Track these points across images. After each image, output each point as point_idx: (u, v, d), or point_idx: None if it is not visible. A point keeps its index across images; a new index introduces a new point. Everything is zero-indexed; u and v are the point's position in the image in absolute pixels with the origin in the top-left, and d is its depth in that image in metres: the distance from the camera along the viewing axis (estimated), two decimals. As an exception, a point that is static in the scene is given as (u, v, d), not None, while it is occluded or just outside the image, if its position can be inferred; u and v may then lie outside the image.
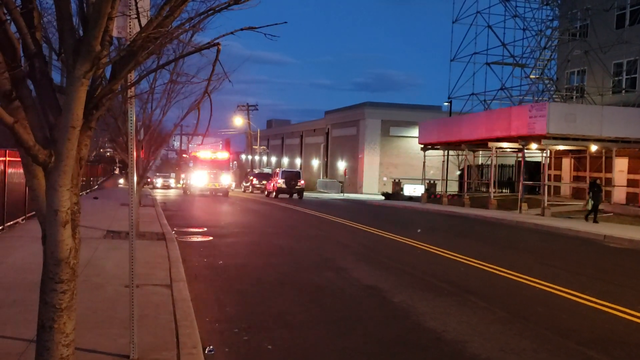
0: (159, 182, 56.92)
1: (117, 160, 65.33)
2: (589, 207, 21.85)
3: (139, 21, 3.56)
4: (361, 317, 7.64)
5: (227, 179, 40.14)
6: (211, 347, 6.08)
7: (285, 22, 3.29)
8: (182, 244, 13.81)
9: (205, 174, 38.79)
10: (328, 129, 62.73)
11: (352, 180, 54.44)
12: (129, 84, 3.84)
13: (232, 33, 3.20)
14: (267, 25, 3.23)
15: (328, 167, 62.85)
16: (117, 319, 6.53)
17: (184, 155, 53.56)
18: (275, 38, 3.27)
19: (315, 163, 67.48)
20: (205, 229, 17.52)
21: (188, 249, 13.17)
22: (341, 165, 58.07)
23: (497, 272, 11.01)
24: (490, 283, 10.09)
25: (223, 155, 43.38)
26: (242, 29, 3.22)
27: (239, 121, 70.94)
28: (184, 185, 47.48)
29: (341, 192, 51.73)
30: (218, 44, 3.14)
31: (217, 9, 3.14)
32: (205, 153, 41.13)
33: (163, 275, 9.31)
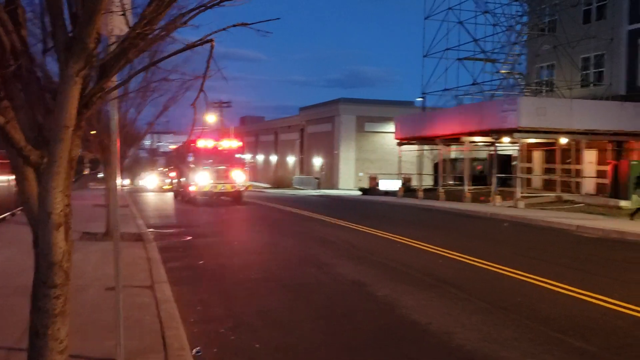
0: (126, 182, 55.62)
1: (86, 161, 64.10)
2: (636, 204, 19.22)
3: (125, 18, 3.52)
4: (347, 312, 7.69)
5: (240, 178, 28.78)
6: (198, 348, 6.05)
7: (278, 18, 3.30)
8: (161, 244, 13.68)
9: (210, 171, 27.94)
10: (303, 125, 62.69)
11: (329, 177, 54.57)
12: (118, 82, 3.78)
13: (224, 29, 3.19)
14: (260, 22, 3.22)
15: (304, 164, 62.81)
16: (101, 322, 6.46)
17: (169, 148, 41.69)
18: (268, 34, 3.27)
19: (291, 160, 67.38)
20: (183, 229, 17.38)
21: (166, 249, 13.05)
22: (317, 161, 58.13)
23: (476, 263, 11.17)
24: (470, 275, 10.23)
25: (233, 144, 30.03)
26: (234, 25, 3.21)
27: (211, 118, 70.35)
28: (173, 187, 36.96)
29: (317, 189, 51.79)
30: (212, 40, 3.12)
31: (207, 4, 3.11)
32: (208, 142, 29.37)
33: (144, 277, 9.23)
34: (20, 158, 3.14)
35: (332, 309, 7.91)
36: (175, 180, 36.18)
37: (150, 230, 16.17)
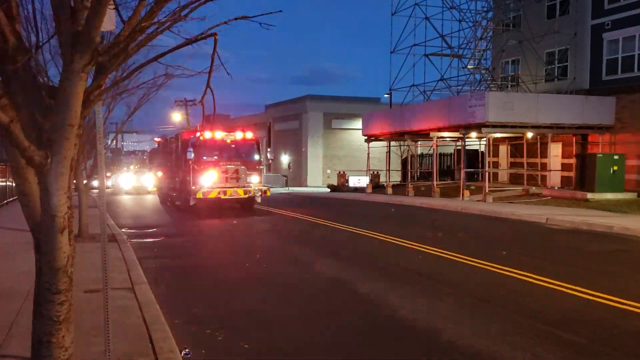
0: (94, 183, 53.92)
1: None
2: None
3: (118, 13, 3.36)
4: (332, 310, 7.63)
5: (254, 180, 22.52)
6: (187, 349, 5.90)
7: (280, 11, 3.19)
8: (135, 244, 13.39)
9: (217, 171, 21.58)
10: (270, 123, 62.34)
11: (297, 174, 54.39)
12: (117, 79, 3.61)
13: (226, 23, 3.07)
14: (261, 15, 3.11)
15: (271, 162, 62.50)
16: (85, 326, 6.24)
17: (155, 140, 31.54)
18: (271, 27, 3.16)
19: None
20: (155, 229, 17.05)
21: (142, 249, 12.78)
22: (285, 159, 57.88)
23: (455, 258, 11.24)
24: (451, 269, 10.29)
25: (247, 136, 23.27)
26: (236, 19, 3.09)
27: (177, 117, 69.29)
28: (162, 190, 29.12)
29: (286, 186, 51.59)
30: (215, 34, 2.99)
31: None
32: (215, 134, 22.49)
33: (122, 278, 8.99)
34: (23, 159, 2.96)
35: (317, 307, 7.84)
36: (165, 182, 27.69)
37: (124, 230, 15.79)
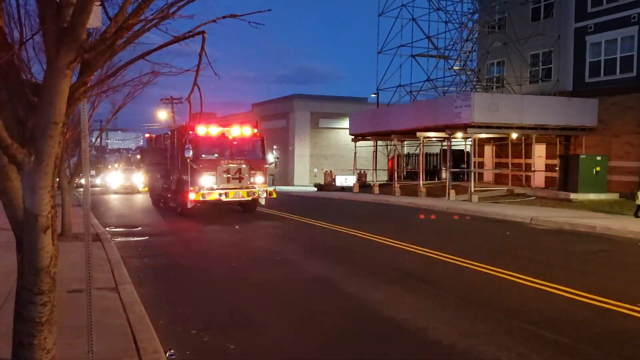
0: (83, 181, 52.71)
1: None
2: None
3: (105, 9, 3.31)
4: (319, 310, 7.61)
5: (258, 180, 20.53)
6: (172, 350, 5.86)
7: (270, 10, 3.16)
8: (119, 244, 13.27)
9: (219, 171, 19.70)
10: (257, 121, 62.14)
11: (283, 173, 54.29)
12: (102, 77, 3.56)
13: (214, 21, 3.04)
14: (251, 13, 3.09)
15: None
16: (67, 327, 6.15)
17: (145, 136, 28.33)
18: (260, 26, 3.14)
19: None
20: (140, 228, 16.92)
21: (126, 249, 12.67)
22: (271, 158, 57.73)
23: (441, 257, 11.29)
24: (437, 269, 10.33)
25: (250, 132, 21.07)
26: (224, 17, 3.07)
27: (162, 115, 68.81)
28: (154, 190, 26.50)
29: (272, 185, 51.48)
30: (203, 32, 2.96)
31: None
32: (214, 129, 20.44)
33: (106, 278, 8.90)
34: (6, 157, 2.90)
35: (304, 307, 7.81)
36: (158, 181, 25.24)
37: (107, 229, 15.66)
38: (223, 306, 7.85)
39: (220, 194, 19.18)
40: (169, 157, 22.31)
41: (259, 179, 20.43)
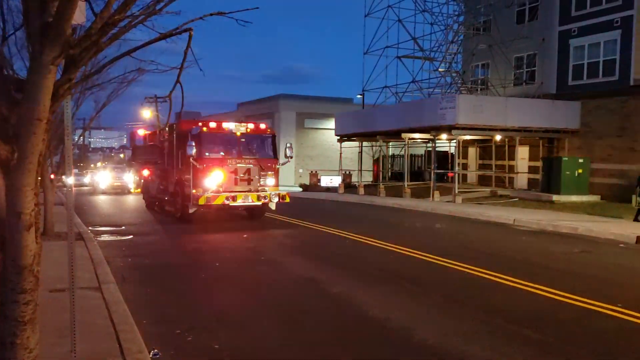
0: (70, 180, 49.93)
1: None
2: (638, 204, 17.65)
3: (90, 5, 3.28)
4: (304, 310, 7.61)
5: (269, 182, 18.35)
6: (156, 350, 5.82)
7: (257, 8, 3.15)
8: (102, 243, 13.16)
9: (226, 171, 17.56)
10: (242, 121, 61.92)
11: (268, 173, 54.13)
12: (87, 73, 3.52)
13: (201, 18, 3.02)
14: (238, 11, 3.07)
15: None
16: (49, 327, 6.07)
17: (138, 133, 26.03)
18: (247, 24, 3.12)
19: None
20: (123, 227, 16.78)
21: (109, 248, 12.55)
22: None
23: (425, 258, 11.34)
24: (421, 269, 10.38)
25: (259, 128, 19.30)
26: (212, 14, 3.05)
27: (147, 113, 68.29)
28: (150, 192, 23.64)
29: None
30: (190, 29, 2.94)
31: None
32: (221, 124, 18.41)
33: (89, 277, 8.82)
34: (-11, 154, 2.86)
35: (289, 307, 7.80)
36: (153, 182, 22.71)
37: (90, 229, 15.50)
38: (209, 306, 7.82)
39: (227, 198, 16.84)
40: (167, 154, 20.36)
41: (270, 180, 18.22)
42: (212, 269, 10.50)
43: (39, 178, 3.07)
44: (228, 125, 18.18)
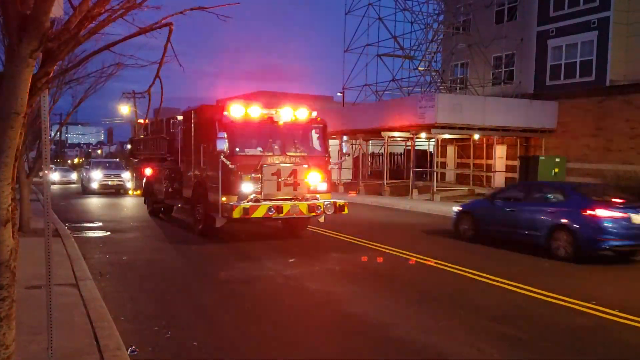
0: (55, 176, 42.41)
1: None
2: None
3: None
4: (283, 307, 7.61)
5: (321, 186, 13.60)
6: (133, 347, 5.77)
7: (238, 3, 3.15)
8: (79, 239, 12.99)
9: (266, 172, 12.74)
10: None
11: (247, 170, 53.92)
12: (65, 67, 3.48)
13: (182, 12, 3.01)
14: (218, 6, 3.07)
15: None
16: (25, 324, 5.99)
17: (140, 122, 21.82)
18: (227, 19, 3.11)
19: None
20: (101, 224, 16.59)
21: (86, 245, 12.41)
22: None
23: (403, 255, 11.41)
24: (399, 267, 10.44)
25: (305, 115, 13.84)
26: (192, 9, 3.04)
27: (124, 109, 67.50)
28: (155, 195, 18.54)
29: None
30: (170, 23, 2.93)
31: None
32: (256, 110, 13.13)
33: (66, 274, 8.72)
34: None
35: (267, 304, 7.79)
36: (160, 184, 17.73)
37: (67, 225, 15.30)
38: (186, 303, 7.78)
39: (269, 209, 12.25)
40: (182, 149, 16.08)
41: (321, 185, 13.61)
42: (192, 267, 10.40)
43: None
44: (268, 112, 13.49)
